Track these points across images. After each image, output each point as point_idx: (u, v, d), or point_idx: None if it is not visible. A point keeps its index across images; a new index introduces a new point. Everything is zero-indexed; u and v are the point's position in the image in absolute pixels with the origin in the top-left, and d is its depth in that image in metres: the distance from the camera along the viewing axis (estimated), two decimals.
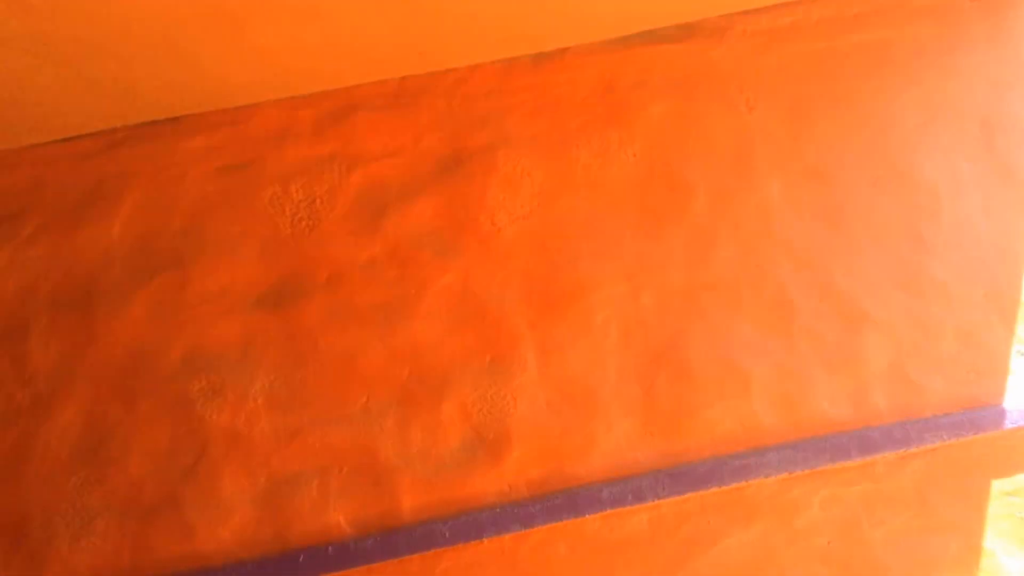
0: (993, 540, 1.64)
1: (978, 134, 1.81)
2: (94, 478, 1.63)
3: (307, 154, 1.78)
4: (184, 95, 1.70)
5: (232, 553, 1.60)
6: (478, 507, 1.62)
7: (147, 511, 1.62)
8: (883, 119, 1.80)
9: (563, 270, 1.74)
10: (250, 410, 1.66)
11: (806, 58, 1.83)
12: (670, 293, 1.73)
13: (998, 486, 1.66)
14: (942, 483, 1.66)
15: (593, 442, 1.66)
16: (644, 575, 1.62)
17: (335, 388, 1.68)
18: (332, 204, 1.76)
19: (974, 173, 1.79)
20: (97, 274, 1.72)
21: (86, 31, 1.38)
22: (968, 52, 1.84)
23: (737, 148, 1.79)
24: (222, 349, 1.69)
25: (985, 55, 1.84)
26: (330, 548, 1.58)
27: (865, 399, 1.69)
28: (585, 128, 1.80)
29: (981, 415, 1.66)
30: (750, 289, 1.73)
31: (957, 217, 1.77)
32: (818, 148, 1.79)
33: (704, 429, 1.67)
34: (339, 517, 1.62)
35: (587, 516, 1.61)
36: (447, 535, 1.59)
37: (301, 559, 1.58)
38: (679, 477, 1.63)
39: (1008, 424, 1.65)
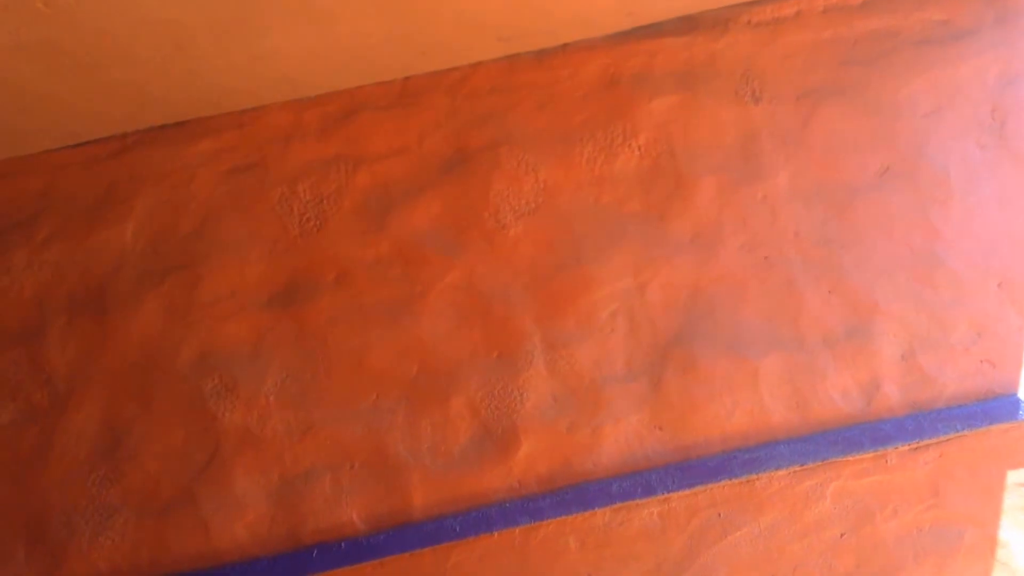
0: (1008, 531, 1.62)
1: (989, 121, 1.78)
2: (112, 476, 1.67)
3: (313, 155, 1.80)
4: (192, 99, 1.72)
5: (246, 549, 1.63)
6: (488, 502, 1.63)
7: (163, 508, 1.65)
8: (891, 107, 1.78)
9: (568, 265, 1.74)
10: (262, 408, 1.69)
11: (812, 48, 1.81)
12: (677, 287, 1.73)
13: (1013, 477, 1.64)
14: (956, 474, 1.64)
15: (601, 436, 1.67)
16: (655, 568, 1.62)
17: (345, 385, 1.70)
18: (339, 204, 1.78)
19: (985, 160, 1.76)
20: (111, 276, 1.75)
21: (96, 39, 1.40)
22: (977, 38, 1.81)
23: (743, 140, 1.78)
24: (234, 348, 1.71)
25: (994, 40, 1.81)
26: (343, 543, 1.61)
27: (877, 391, 1.67)
28: (589, 123, 1.80)
29: (995, 406, 1.64)
30: (758, 282, 1.72)
31: (969, 205, 1.74)
32: (826, 138, 1.77)
33: (713, 423, 1.67)
34: (351, 512, 1.64)
35: (596, 509, 1.62)
36: (457, 529, 1.61)
37: (315, 554, 1.60)
38: (689, 470, 1.63)
39: (1022, 415, 1.63)
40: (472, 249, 1.75)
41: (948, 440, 1.65)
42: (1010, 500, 1.63)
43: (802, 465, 1.63)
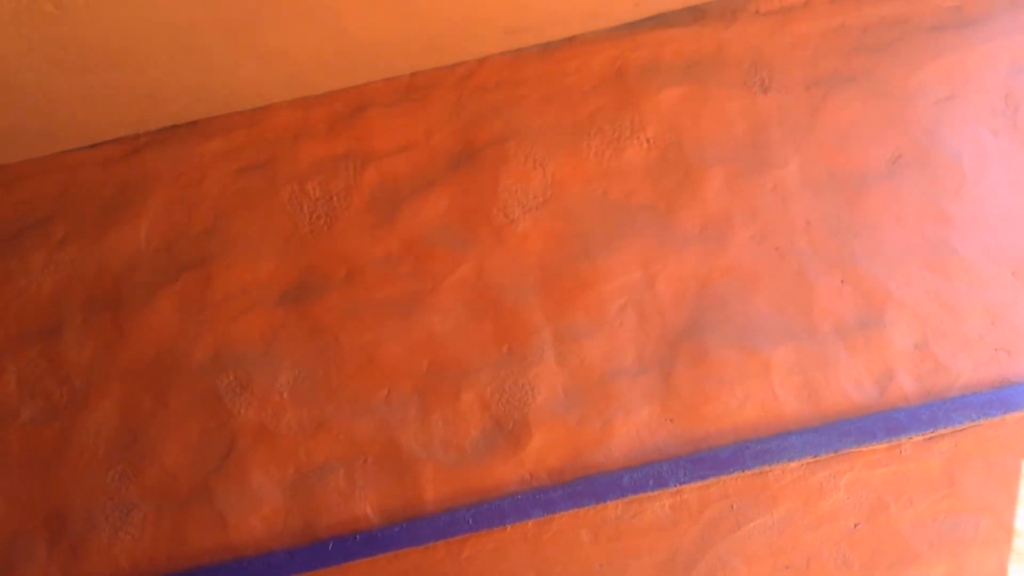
0: None
1: (1002, 107, 1.75)
2: (130, 472, 1.69)
3: (322, 152, 1.81)
4: (202, 99, 1.74)
5: (263, 542, 1.65)
6: (500, 495, 1.64)
7: (181, 503, 1.68)
8: (903, 94, 1.76)
9: (577, 259, 1.74)
10: (276, 404, 1.71)
11: (821, 36, 1.79)
12: (687, 279, 1.72)
13: None
14: (971, 463, 1.63)
15: (612, 429, 1.67)
16: (668, 560, 1.63)
17: (357, 381, 1.71)
18: (348, 201, 1.79)
19: (998, 147, 1.74)
20: (126, 275, 1.78)
21: (106, 41, 1.42)
22: (989, 23, 1.78)
23: (752, 130, 1.77)
24: (247, 345, 1.73)
25: (1007, 26, 1.78)
26: (357, 536, 1.62)
27: (890, 381, 1.66)
28: (596, 116, 1.79)
29: (1010, 394, 1.62)
30: (768, 272, 1.72)
31: (982, 193, 1.72)
32: (836, 126, 1.76)
33: (725, 414, 1.67)
34: (365, 506, 1.66)
35: (608, 502, 1.62)
36: (471, 522, 1.62)
37: (330, 547, 1.62)
38: (700, 462, 1.63)
39: None
40: (481, 244, 1.76)
41: (963, 429, 1.63)
42: None
43: (815, 456, 1.62)
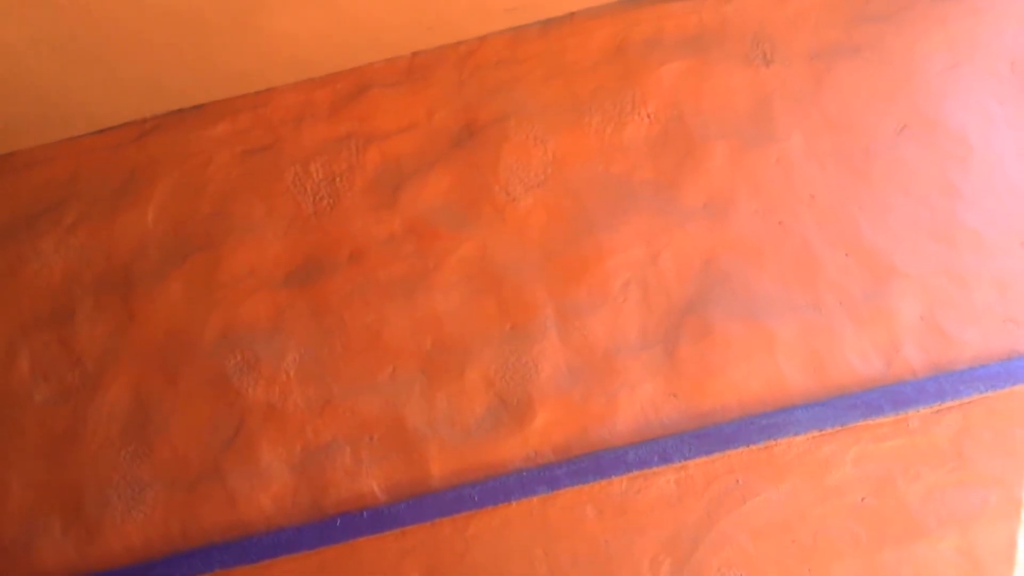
0: None
1: (1008, 75, 1.73)
2: (142, 451, 1.72)
3: (325, 134, 1.82)
4: (206, 83, 1.76)
5: (272, 519, 1.67)
6: (505, 471, 1.65)
7: (192, 481, 1.70)
8: (907, 64, 1.74)
9: (580, 236, 1.74)
10: (283, 383, 1.73)
11: (823, 6, 1.77)
12: (690, 254, 1.72)
13: None
14: (979, 436, 1.61)
15: (616, 405, 1.67)
16: (673, 535, 1.62)
17: (362, 360, 1.73)
18: (351, 182, 1.80)
19: (1005, 116, 1.72)
20: (135, 258, 1.80)
21: (111, 28, 1.44)
22: None
23: (755, 103, 1.76)
24: (254, 325, 1.75)
25: None
26: (365, 513, 1.64)
27: (896, 353, 1.65)
28: (597, 92, 1.79)
29: (1019, 365, 1.60)
30: (772, 246, 1.71)
31: (989, 162, 1.70)
32: (840, 98, 1.74)
33: (730, 389, 1.66)
34: (372, 483, 1.67)
35: (613, 478, 1.62)
36: (476, 498, 1.62)
37: (338, 524, 1.64)
38: (705, 437, 1.62)
39: None
40: (483, 222, 1.76)
41: (971, 401, 1.62)
42: None
43: (821, 430, 1.61)
